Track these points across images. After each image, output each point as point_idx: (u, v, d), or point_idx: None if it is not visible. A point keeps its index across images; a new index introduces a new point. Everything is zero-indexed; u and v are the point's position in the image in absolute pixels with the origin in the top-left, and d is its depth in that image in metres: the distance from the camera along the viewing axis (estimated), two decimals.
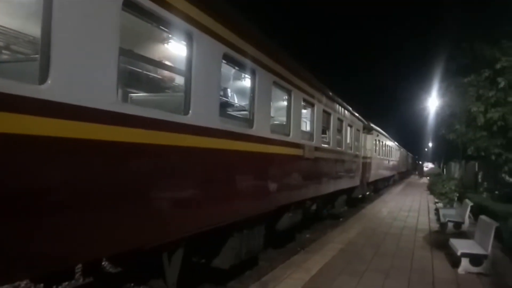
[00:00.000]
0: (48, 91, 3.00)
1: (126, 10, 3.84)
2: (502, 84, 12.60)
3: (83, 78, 3.33)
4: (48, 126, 3.00)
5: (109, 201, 3.64)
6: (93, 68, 3.43)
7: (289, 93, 8.43)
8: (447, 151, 36.44)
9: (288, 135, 8.31)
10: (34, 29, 4.17)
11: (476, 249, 7.35)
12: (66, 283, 5.86)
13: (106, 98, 3.55)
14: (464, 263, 7.22)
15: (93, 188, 3.45)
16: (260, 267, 7.98)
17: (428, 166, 69.19)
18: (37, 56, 3.13)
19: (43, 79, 3.00)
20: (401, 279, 6.70)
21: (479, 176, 20.19)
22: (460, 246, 7.51)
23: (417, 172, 69.74)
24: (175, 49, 6.33)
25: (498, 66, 12.54)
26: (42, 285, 4.94)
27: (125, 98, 5.67)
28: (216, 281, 6.84)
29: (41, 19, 3.04)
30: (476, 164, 20.53)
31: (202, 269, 6.60)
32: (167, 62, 6.02)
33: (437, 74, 20.04)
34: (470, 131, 14.76)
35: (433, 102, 24.85)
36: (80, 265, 5.82)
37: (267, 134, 7.11)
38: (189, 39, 4.87)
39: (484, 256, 7.14)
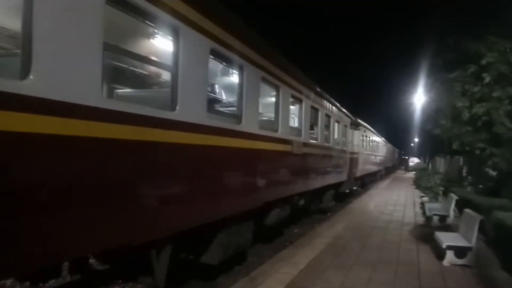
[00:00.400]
0: (30, 86, 2.94)
1: (111, 3, 3.79)
2: (487, 80, 12.81)
3: (67, 73, 3.26)
4: (30, 122, 2.94)
5: (96, 198, 3.60)
6: (76, 63, 3.37)
7: (277, 89, 8.43)
8: (433, 146, 36.97)
9: (277, 131, 8.31)
10: (14, 23, 4.07)
11: (461, 242, 7.47)
12: (53, 281, 5.79)
13: (91, 94, 3.49)
14: (449, 255, 7.34)
15: (78, 185, 3.41)
16: (248, 262, 7.99)
17: (414, 161, 70.31)
18: (18, 51, 3.07)
19: (24, 74, 2.94)
20: (388, 271, 6.79)
21: (464, 171, 20.52)
22: (445, 238, 7.63)
23: (403, 167, 71.53)
24: (161, 44, 6.26)
25: (483, 61, 12.73)
26: (28, 283, 4.87)
27: (111, 94, 5.59)
28: (205, 277, 6.84)
29: (22, 12, 2.97)
30: (461, 158, 20.88)
31: (191, 265, 6.59)
32: (153, 58, 5.96)
33: (424, 69, 20.26)
34: (455, 126, 14.98)
35: (419, 98, 25.14)
36: (67, 263, 5.75)
37: (255, 130, 7.10)
38: (176, 34, 4.82)
39: (469, 249, 7.27)
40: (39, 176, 3.09)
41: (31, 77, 2.95)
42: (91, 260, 6.55)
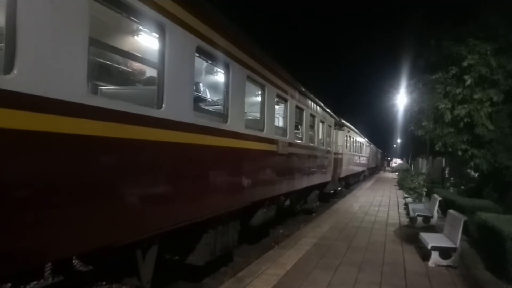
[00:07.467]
0: (14, 81, 2.83)
1: None
2: (468, 82, 13.04)
3: (51, 69, 3.15)
4: (13, 118, 2.82)
5: (79, 197, 3.48)
6: (61, 58, 3.25)
7: (263, 88, 8.38)
8: (415, 147, 37.52)
9: (262, 130, 8.27)
10: None
11: (445, 243, 7.54)
12: (35, 282, 5.61)
13: (76, 90, 3.38)
14: (434, 256, 7.39)
15: (60, 184, 3.28)
16: (235, 263, 7.92)
17: (396, 162, 71.62)
18: (1, 45, 2.95)
19: (8, 69, 2.84)
20: (374, 272, 6.81)
21: (446, 172, 20.84)
22: (430, 239, 7.68)
23: (385, 168, 73.17)
24: (147, 41, 6.15)
25: (464, 63, 12.96)
26: (9, 285, 4.71)
27: (95, 90, 5.46)
28: (191, 278, 6.73)
29: (5, 5, 2.86)
30: (443, 159, 21.20)
31: (177, 266, 6.48)
32: (139, 55, 5.84)
33: (406, 71, 20.48)
34: (437, 127, 15.19)
35: (401, 99, 25.40)
36: (49, 264, 5.58)
37: (241, 129, 7.04)
38: (161, 31, 4.74)
39: (453, 249, 7.34)
40: (20, 174, 2.96)
41: (15, 72, 2.85)
42: (74, 261, 6.38)
